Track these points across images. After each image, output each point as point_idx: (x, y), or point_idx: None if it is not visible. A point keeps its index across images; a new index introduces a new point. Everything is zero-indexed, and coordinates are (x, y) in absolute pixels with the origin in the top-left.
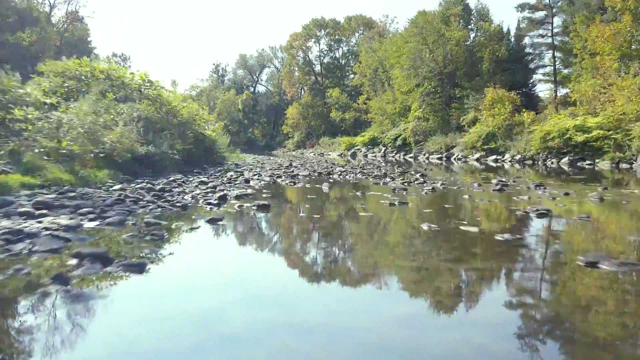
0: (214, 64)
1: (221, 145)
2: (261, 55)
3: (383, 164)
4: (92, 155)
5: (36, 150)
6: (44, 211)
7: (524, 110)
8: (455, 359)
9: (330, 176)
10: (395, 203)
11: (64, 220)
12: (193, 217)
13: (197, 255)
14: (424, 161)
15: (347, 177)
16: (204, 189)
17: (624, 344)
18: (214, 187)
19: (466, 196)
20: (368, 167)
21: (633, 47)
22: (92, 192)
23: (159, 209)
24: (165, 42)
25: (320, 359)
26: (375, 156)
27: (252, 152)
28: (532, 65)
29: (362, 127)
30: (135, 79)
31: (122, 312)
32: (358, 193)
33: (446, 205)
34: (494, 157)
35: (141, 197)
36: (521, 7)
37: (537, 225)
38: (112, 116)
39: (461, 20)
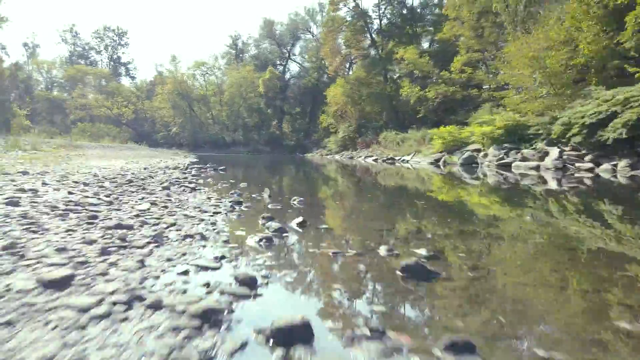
0: (231, 37)
1: None
2: (294, 22)
3: None
4: None
5: None
6: None
7: None
8: None
9: None
10: None
11: None
12: None
13: None
14: None
15: None
16: None
17: None
18: None
19: None
20: None
21: None
22: None
23: None
24: (176, 13)
25: None
26: (531, 169)
27: (277, 155)
28: None
29: (457, 112)
30: None
31: None
32: None
33: None
34: None
35: None
36: None
37: None
38: None
39: None
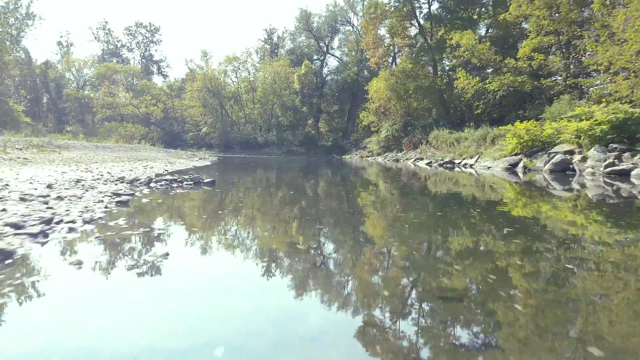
0: (265, 30)
1: None
2: (332, 13)
3: None
4: None
5: None
6: None
7: None
8: None
9: None
10: None
11: None
12: None
13: None
14: None
15: None
16: None
17: None
18: None
19: None
20: None
21: None
22: None
23: None
24: (211, 8)
25: None
26: None
27: (312, 157)
28: None
29: (524, 106)
30: None
31: None
32: None
33: None
34: None
35: None
36: None
37: None
38: None
39: None
